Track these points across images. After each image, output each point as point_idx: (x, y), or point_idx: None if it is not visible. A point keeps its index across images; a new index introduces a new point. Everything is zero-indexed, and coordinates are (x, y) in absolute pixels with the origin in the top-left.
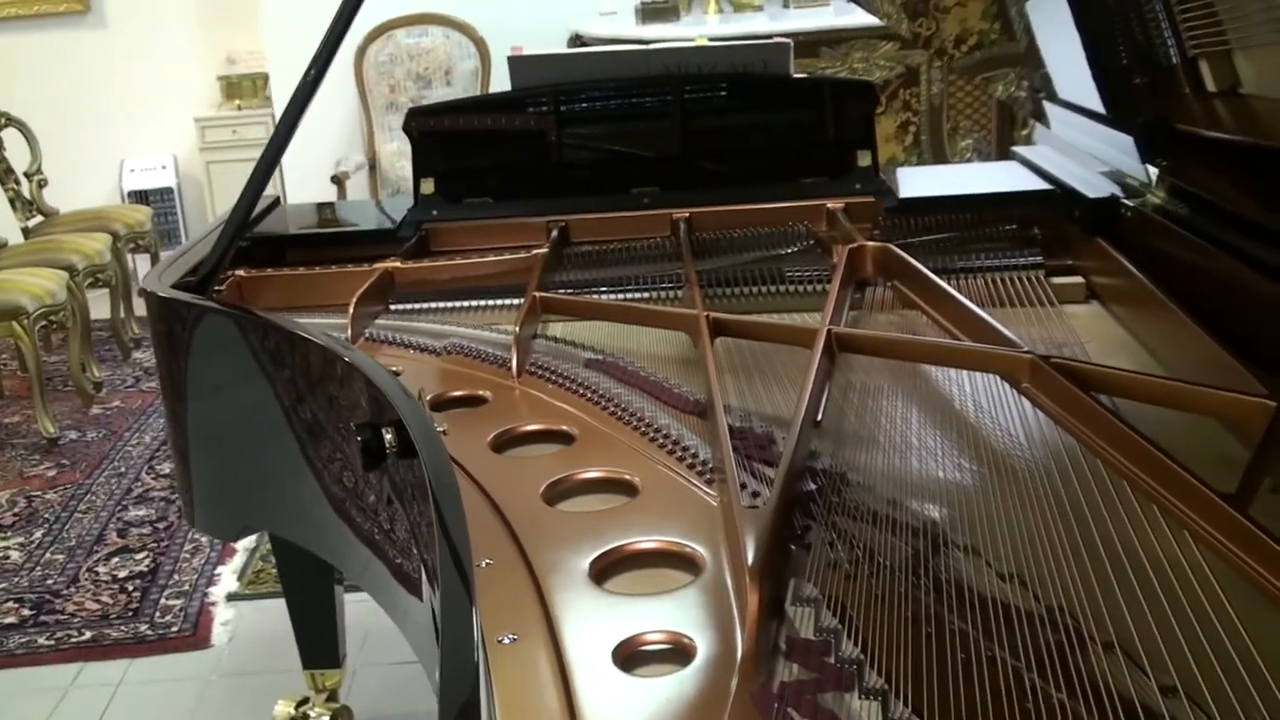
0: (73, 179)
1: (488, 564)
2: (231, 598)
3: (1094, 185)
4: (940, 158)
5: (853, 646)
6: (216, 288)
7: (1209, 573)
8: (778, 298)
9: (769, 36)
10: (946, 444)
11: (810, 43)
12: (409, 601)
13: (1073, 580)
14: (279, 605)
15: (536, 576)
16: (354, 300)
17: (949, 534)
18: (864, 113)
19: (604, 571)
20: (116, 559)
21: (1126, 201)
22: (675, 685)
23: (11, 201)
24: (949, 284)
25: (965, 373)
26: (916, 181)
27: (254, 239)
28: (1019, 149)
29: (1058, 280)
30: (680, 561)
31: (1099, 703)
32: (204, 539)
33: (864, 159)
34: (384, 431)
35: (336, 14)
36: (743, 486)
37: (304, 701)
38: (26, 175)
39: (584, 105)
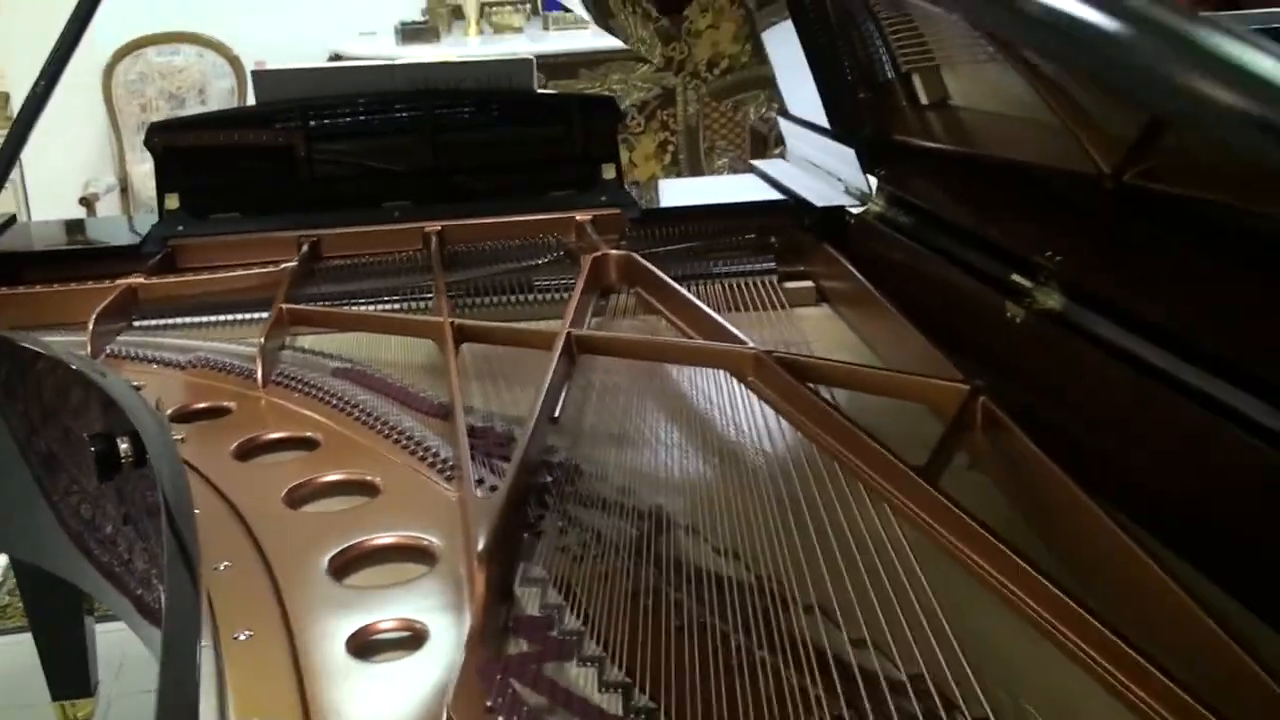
0: None
1: (225, 566)
2: None
3: (825, 196)
4: (698, 172)
5: (575, 620)
6: None
7: (902, 538)
8: (530, 306)
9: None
10: (678, 436)
11: (569, 64)
12: (152, 633)
13: (782, 552)
14: (27, 639)
15: (275, 576)
16: (93, 316)
17: (673, 517)
18: (607, 127)
19: (343, 568)
20: None
21: (851, 210)
22: (407, 668)
23: None
24: (689, 289)
25: (699, 371)
26: (666, 193)
27: None
28: (758, 163)
29: (791, 285)
30: (418, 554)
31: (797, 657)
32: None
33: (609, 171)
34: (119, 441)
35: (66, 24)
36: (480, 481)
37: None
38: None
39: (333, 120)
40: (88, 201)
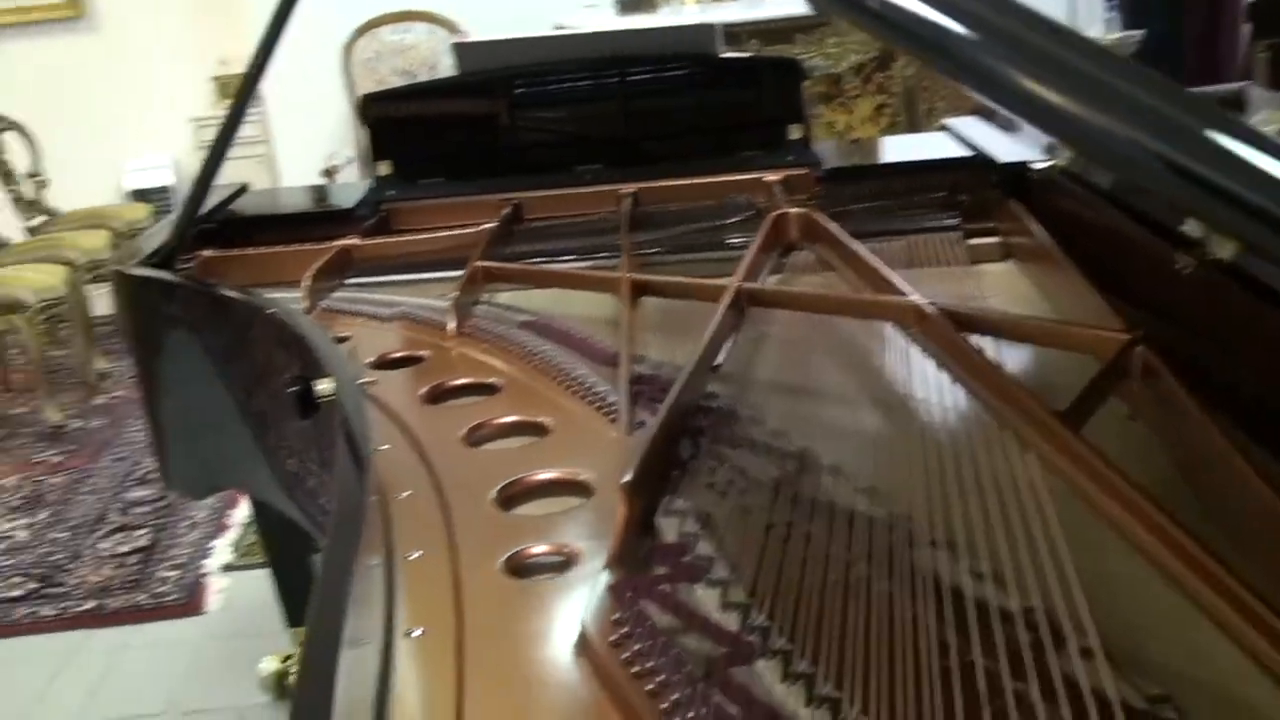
0: (74, 180)
1: (406, 495)
2: (226, 568)
3: (1019, 153)
4: None
5: (709, 548)
6: (184, 267)
7: (1041, 483)
8: (718, 265)
9: (743, 24)
10: (838, 386)
11: (784, 29)
12: None
13: (918, 493)
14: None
15: (447, 505)
16: (309, 274)
17: (818, 458)
18: (792, 88)
19: (508, 500)
20: (118, 536)
21: (1034, 165)
22: (554, 587)
23: (14, 202)
24: (872, 247)
25: (868, 326)
26: (857, 153)
27: (222, 221)
28: (951, 121)
29: (976, 241)
30: (576, 488)
31: (914, 586)
32: (201, 514)
33: (795, 132)
34: (313, 383)
35: (273, 14)
36: (641, 423)
37: (289, 658)
38: (29, 176)
39: (532, 88)
40: (329, 173)
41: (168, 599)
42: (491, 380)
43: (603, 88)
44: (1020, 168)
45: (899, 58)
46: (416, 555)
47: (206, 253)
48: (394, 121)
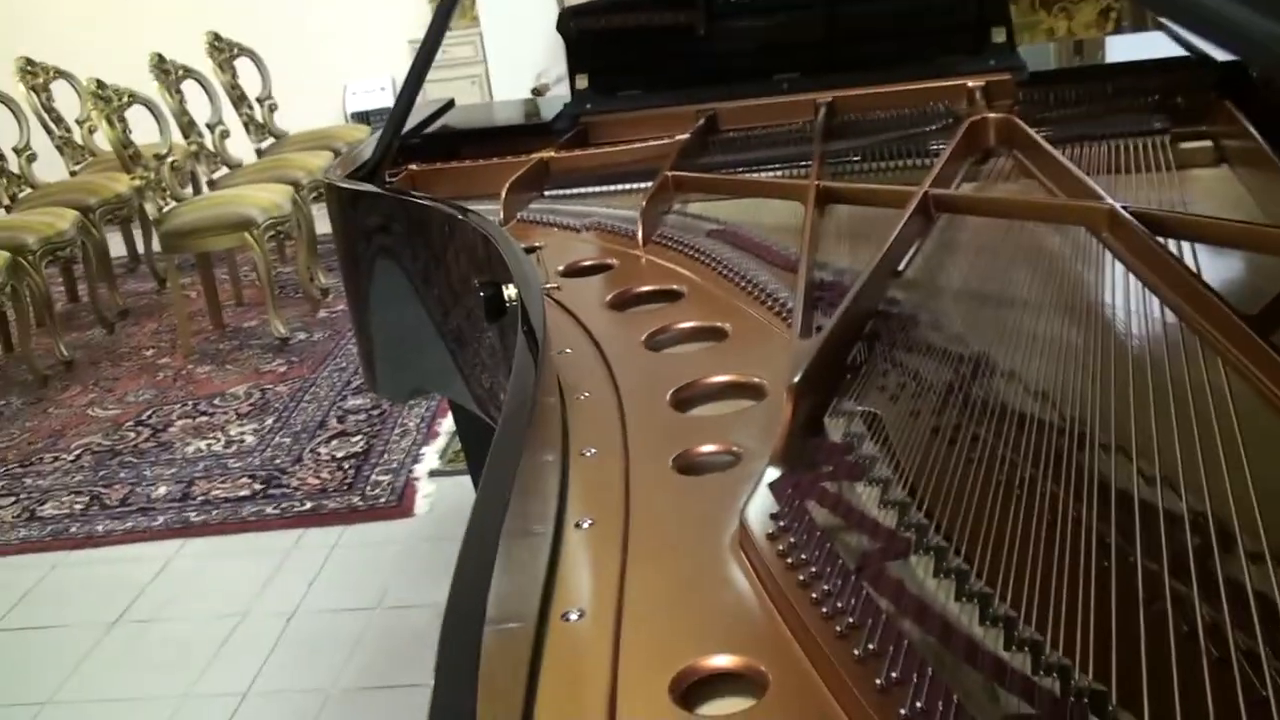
0: (300, 103)
1: (585, 396)
2: (433, 474)
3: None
4: None
5: (873, 448)
6: (390, 179)
7: (1225, 387)
8: (917, 172)
9: None
10: (1023, 292)
11: None
12: None
13: (1094, 396)
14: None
15: (624, 407)
16: (506, 186)
17: (994, 362)
18: None
19: (683, 402)
20: (335, 442)
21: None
22: (719, 482)
23: (245, 125)
24: (1075, 152)
25: (1060, 232)
26: (1066, 54)
27: (427, 136)
28: (1166, 20)
29: (1187, 145)
30: (750, 390)
31: (1080, 488)
32: (411, 424)
33: (999, 35)
34: (503, 287)
35: None
36: (819, 328)
37: None
38: (258, 100)
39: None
40: (538, 91)
41: (379, 502)
42: (675, 287)
43: None
44: (1239, 67)
45: None
46: (591, 453)
47: (412, 166)
48: (591, 34)
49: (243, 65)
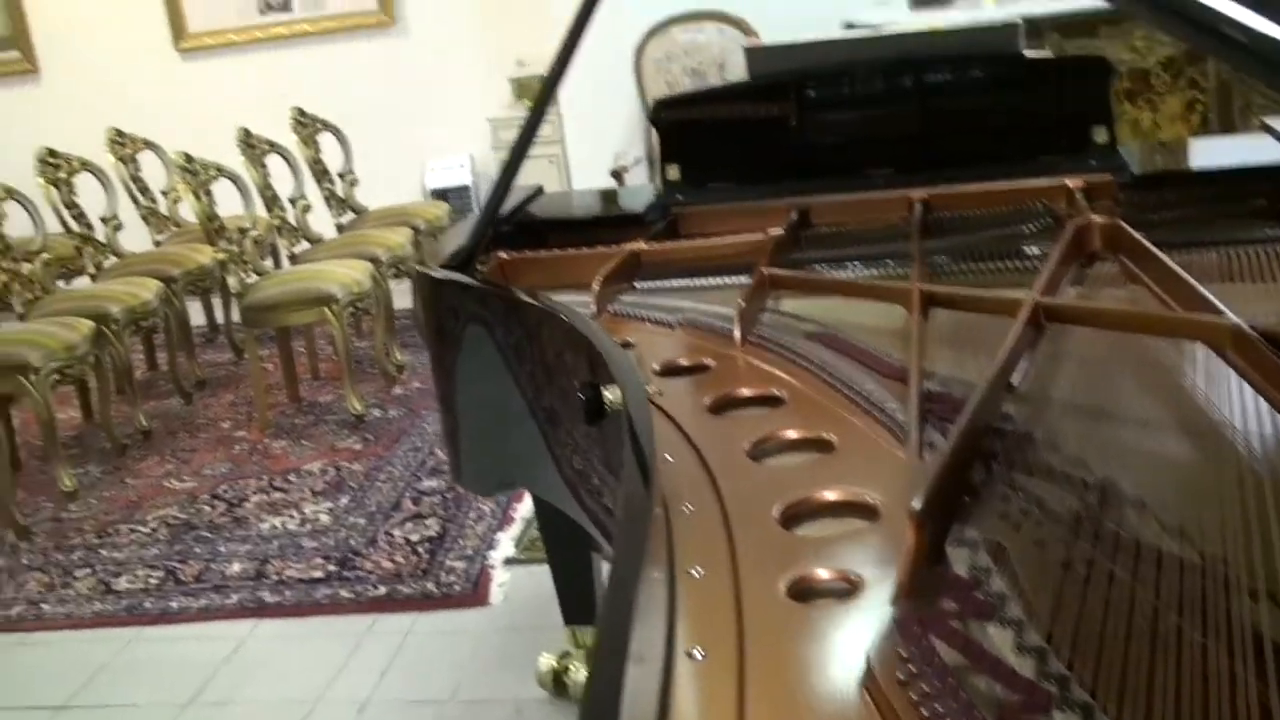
0: (380, 179)
1: (689, 508)
2: (508, 562)
3: None
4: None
5: (1002, 584)
6: (480, 268)
7: None
8: (1014, 274)
9: (1043, 18)
10: (1143, 411)
11: (1088, 22)
12: None
13: (1237, 535)
14: (549, 570)
15: (730, 521)
16: (599, 279)
17: (1122, 491)
18: (1099, 89)
19: (792, 519)
20: (410, 524)
21: None
22: (838, 615)
23: (326, 200)
24: (1181, 259)
25: (1177, 345)
26: (1168, 156)
27: (517, 224)
28: (1271, 119)
29: None
30: (863, 510)
31: (1231, 639)
32: (487, 508)
33: (1100, 135)
34: (604, 389)
35: (574, 18)
36: (931, 445)
37: (565, 655)
38: (340, 175)
39: (821, 90)
40: (617, 173)
41: (454, 589)
42: (776, 392)
43: (896, 89)
44: None
45: None
46: (698, 571)
47: (502, 254)
48: (684, 125)
49: (325, 140)
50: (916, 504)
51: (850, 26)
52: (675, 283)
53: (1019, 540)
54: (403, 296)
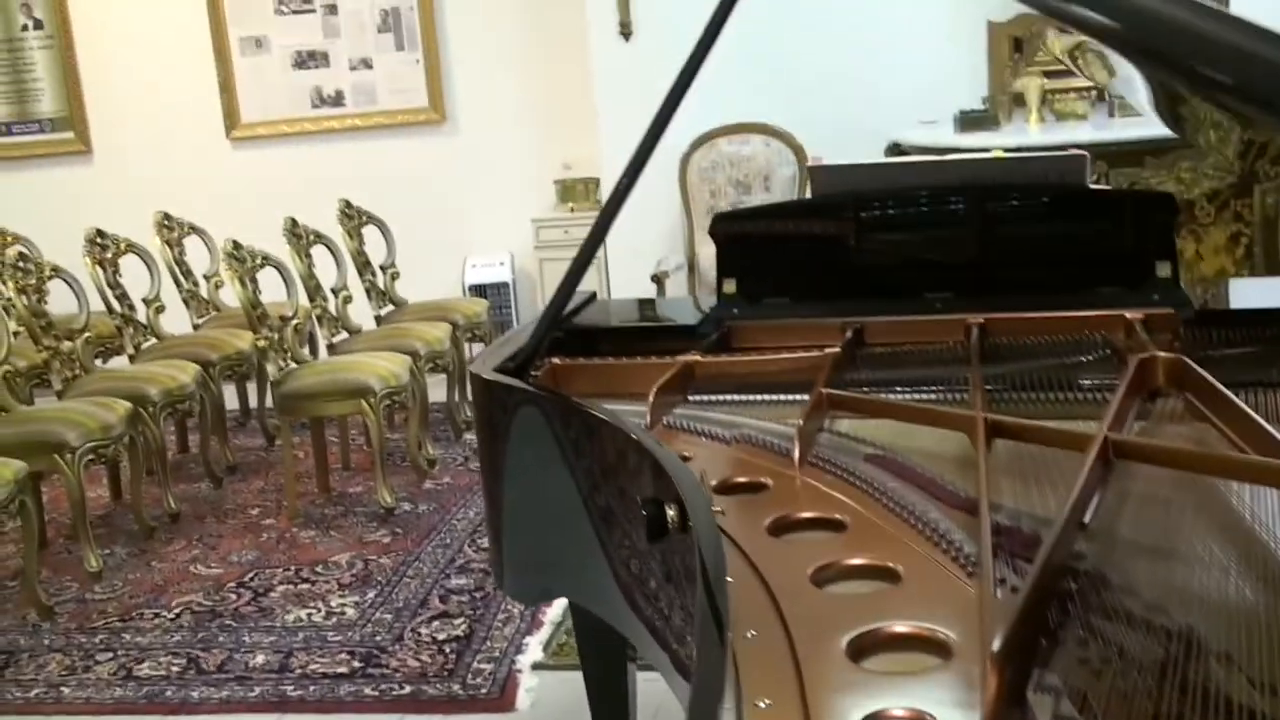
0: (420, 272)
1: (753, 635)
2: (536, 666)
3: None
4: (1275, 270)
5: None
6: (533, 373)
7: None
8: (1071, 405)
9: (1088, 146)
10: (1221, 555)
11: (1134, 152)
12: (684, 687)
13: None
14: (578, 677)
15: (796, 650)
16: (654, 389)
17: (1206, 641)
18: (1164, 224)
19: (860, 650)
20: (437, 622)
21: None
22: None
23: (367, 291)
24: (1247, 398)
25: (1250, 487)
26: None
27: (570, 330)
28: None
29: None
30: (934, 646)
31: None
32: (515, 610)
33: (1163, 270)
34: (666, 507)
35: (650, 126)
36: (1002, 581)
37: None
38: (382, 268)
39: (881, 212)
40: (658, 279)
41: (480, 692)
42: (838, 516)
43: (958, 213)
44: None
45: (1261, 182)
46: (766, 703)
47: (555, 360)
48: (742, 240)
49: (369, 232)
50: (996, 645)
51: (896, 145)
52: (729, 397)
53: (1102, 689)
54: (438, 390)
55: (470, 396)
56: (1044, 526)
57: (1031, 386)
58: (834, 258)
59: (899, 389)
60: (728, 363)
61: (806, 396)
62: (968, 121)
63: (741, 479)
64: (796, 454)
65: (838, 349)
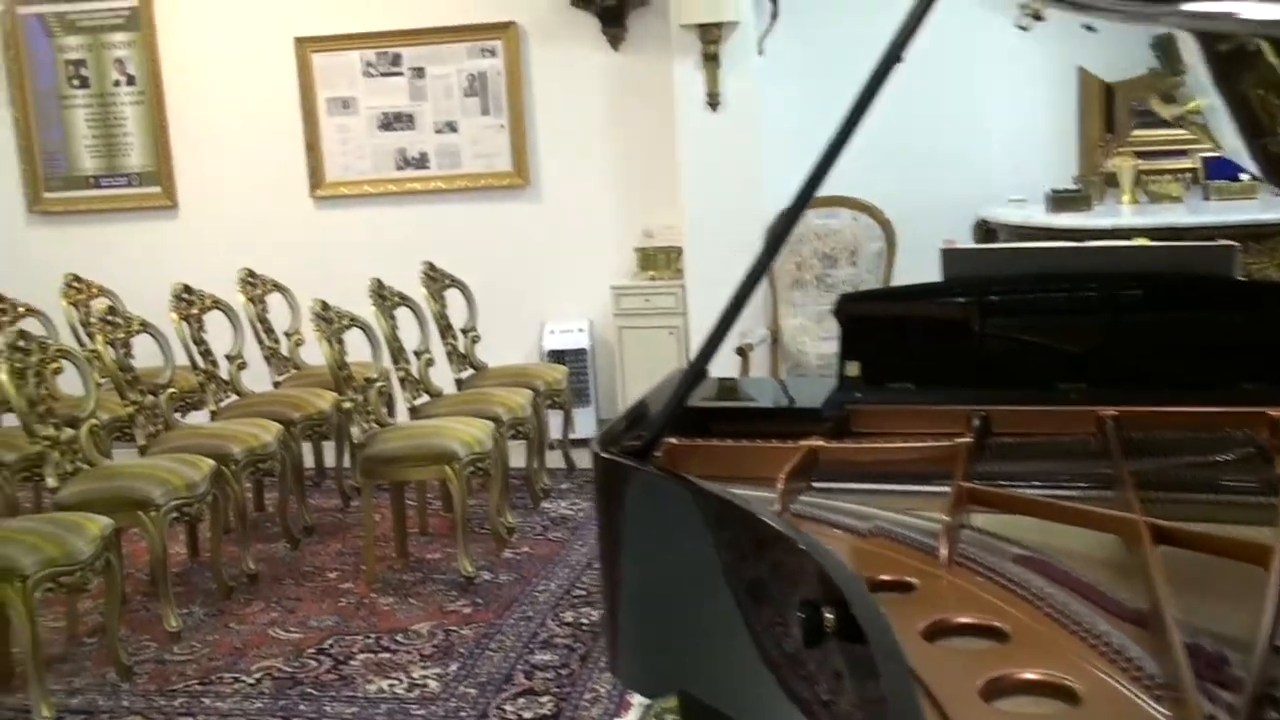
0: (498, 336)
1: None
2: None
3: None
4: None
5: None
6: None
7: None
8: (1211, 506)
9: (1185, 229)
10: None
11: (1234, 236)
12: None
13: None
14: None
15: None
16: (783, 475)
17: None
18: None
19: None
20: (522, 699)
21: None
22: None
23: (448, 354)
24: None
25: None
26: None
27: (684, 408)
28: None
29: None
30: None
31: None
32: (602, 689)
33: None
34: (825, 611)
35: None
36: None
37: None
38: (463, 331)
39: (1013, 298)
40: (743, 351)
41: None
42: (998, 624)
43: (1093, 300)
44: None
45: None
46: None
47: (671, 440)
48: (867, 322)
49: (450, 295)
50: None
51: (984, 223)
52: (856, 485)
53: None
54: (518, 457)
55: (594, 473)
56: (1225, 645)
57: (1173, 486)
58: (962, 343)
59: (1036, 483)
60: (855, 449)
61: (938, 488)
62: (1060, 201)
63: (885, 576)
64: (945, 552)
65: (969, 439)
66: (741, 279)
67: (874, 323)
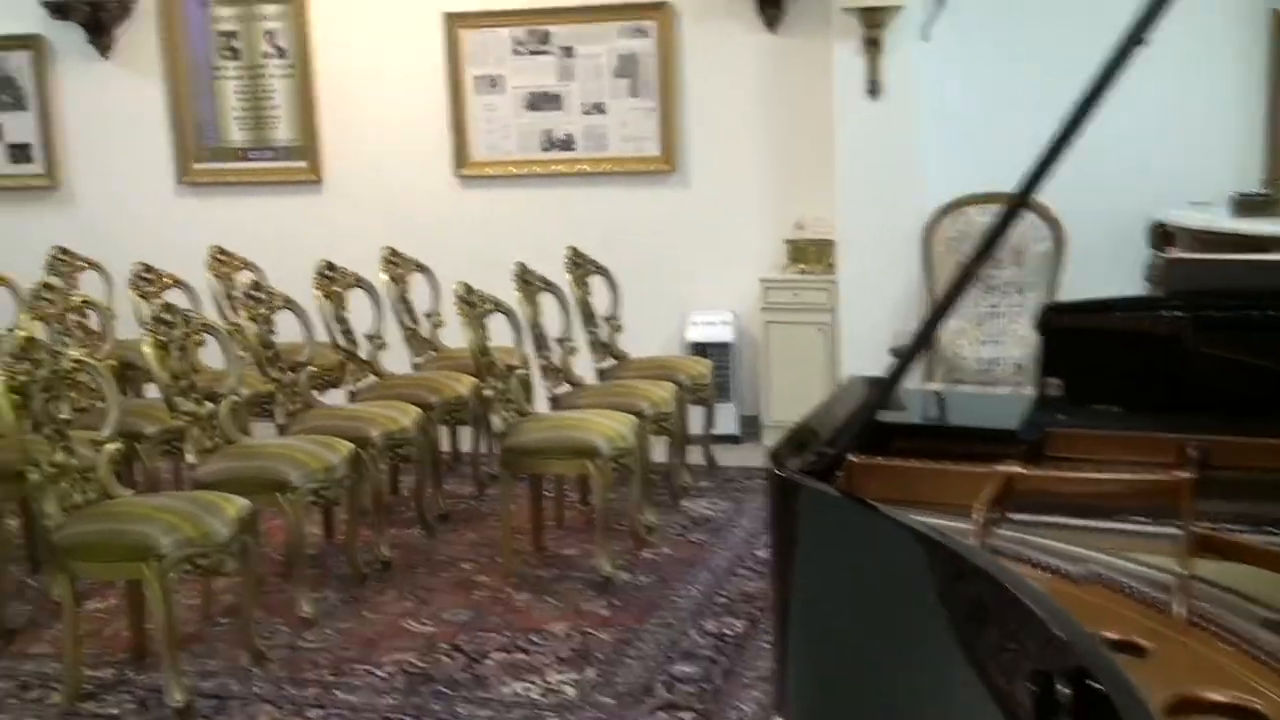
0: (640, 326)
1: None
2: None
3: None
4: None
5: None
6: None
7: None
8: None
9: None
10: None
11: None
12: None
13: None
14: None
15: None
16: (982, 505)
17: None
18: None
19: None
20: (662, 714)
21: None
22: None
23: (590, 343)
24: None
25: None
26: None
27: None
28: None
29: None
30: None
31: None
32: (748, 708)
33: None
34: (1057, 683)
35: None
36: None
37: None
38: (605, 320)
39: (1243, 315)
40: (898, 352)
41: None
42: (1259, 706)
43: None
44: None
45: None
46: None
47: (852, 457)
48: (1073, 335)
49: (595, 283)
50: None
51: (1161, 227)
52: (1060, 519)
53: None
54: (660, 451)
55: (769, 491)
56: None
57: None
58: (1181, 364)
59: (1269, 529)
60: (1057, 478)
61: (1156, 528)
62: (1246, 205)
63: (1109, 635)
64: (1181, 611)
65: (1192, 473)
66: (950, 280)
67: (1081, 336)
